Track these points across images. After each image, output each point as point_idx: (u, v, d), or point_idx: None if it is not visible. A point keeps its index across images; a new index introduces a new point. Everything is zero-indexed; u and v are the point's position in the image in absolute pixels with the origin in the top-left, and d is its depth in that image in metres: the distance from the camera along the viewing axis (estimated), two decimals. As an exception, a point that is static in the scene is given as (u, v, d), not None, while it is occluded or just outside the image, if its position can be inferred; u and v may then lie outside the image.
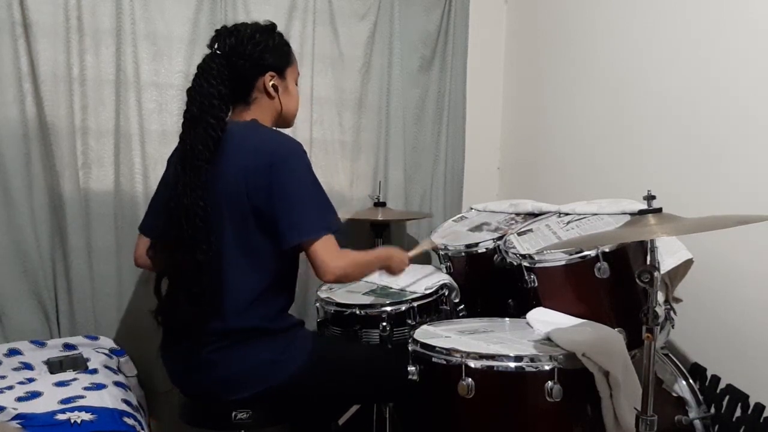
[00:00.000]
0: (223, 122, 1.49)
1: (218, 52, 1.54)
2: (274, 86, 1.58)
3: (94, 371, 1.71)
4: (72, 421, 1.38)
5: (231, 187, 1.45)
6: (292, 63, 1.64)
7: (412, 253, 1.78)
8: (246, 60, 1.54)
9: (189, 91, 1.51)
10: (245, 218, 1.45)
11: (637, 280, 1.25)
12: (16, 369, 1.72)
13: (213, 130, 1.46)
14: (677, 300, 1.70)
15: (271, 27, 1.61)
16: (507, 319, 1.73)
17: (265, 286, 1.49)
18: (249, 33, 1.55)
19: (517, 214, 2.03)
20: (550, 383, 1.34)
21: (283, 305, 1.57)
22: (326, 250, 1.43)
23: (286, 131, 1.66)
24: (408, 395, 1.52)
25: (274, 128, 1.63)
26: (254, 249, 1.47)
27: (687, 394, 1.67)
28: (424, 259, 2.59)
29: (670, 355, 1.74)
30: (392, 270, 1.67)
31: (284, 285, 1.56)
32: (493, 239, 1.88)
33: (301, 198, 1.46)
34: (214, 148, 1.45)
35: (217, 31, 1.59)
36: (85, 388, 1.58)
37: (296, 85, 1.67)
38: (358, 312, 1.75)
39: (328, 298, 1.84)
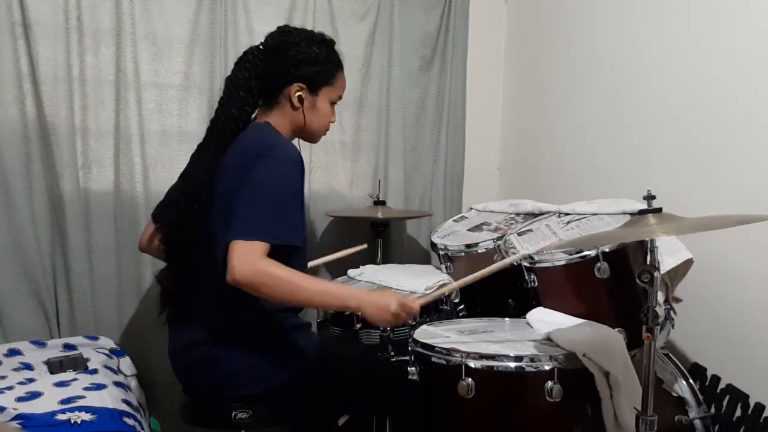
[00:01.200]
0: (245, 114, 1.51)
1: (261, 47, 1.56)
2: (300, 98, 1.55)
3: (94, 371, 1.71)
4: (72, 421, 1.38)
5: (222, 184, 1.46)
6: (334, 84, 1.59)
7: (423, 300, 1.51)
8: (281, 62, 1.53)
9: (225, 80, 1.56)
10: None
11: (637, 280, 1.25)
12: (16, 369, 1.72)
13: (233, 121, 1.49)
14: (677, 300, 1.70)
15: (327, 42, 1.59)
16: (507, 319, 1.73)
17: None
18: (297, 39, 1.55)
19: (517, 214, 2.02)
20: (550, 383, 1.34)
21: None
22: (241, 253, 1.32)
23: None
24: (408, 395, 1.52)
25: (283, 136, 1.57)
26: None
27: (687, 394, 1.67)
28: (424, 259, 2.60)
29: (670, 355, 1.74)
30: (369, 318, 1.43)
31: None
32: (493, 239, 1.88)
33: (260, 197, 1.39)
34: (231, 136, 1.48)
35: (278, 27, 1.61)
36: (85, 389, 1.58)
37: (332, 104, 1.62)
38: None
39: (328, 298, 1.83)
